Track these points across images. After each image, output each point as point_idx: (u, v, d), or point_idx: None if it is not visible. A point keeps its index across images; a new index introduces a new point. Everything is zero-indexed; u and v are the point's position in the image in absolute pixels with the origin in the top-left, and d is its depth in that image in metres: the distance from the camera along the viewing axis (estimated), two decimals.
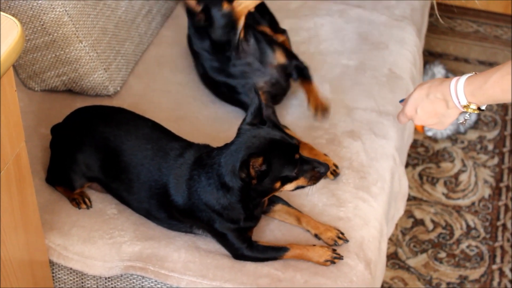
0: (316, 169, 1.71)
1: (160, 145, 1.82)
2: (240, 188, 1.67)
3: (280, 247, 1.78)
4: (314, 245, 1.80)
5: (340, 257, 1.79)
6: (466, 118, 1.63)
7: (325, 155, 2.03)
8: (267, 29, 2.24)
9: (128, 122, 1.88)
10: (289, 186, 1.71)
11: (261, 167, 1.63)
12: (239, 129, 1.72)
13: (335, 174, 2.00)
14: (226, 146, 1.72)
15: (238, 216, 1.72)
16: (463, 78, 1.57)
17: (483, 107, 1.58)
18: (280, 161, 1.66)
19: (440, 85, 1.62)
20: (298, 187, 1.72)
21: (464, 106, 1.58)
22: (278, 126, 2.08)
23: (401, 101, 1.76)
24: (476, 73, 1.56)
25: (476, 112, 1.57)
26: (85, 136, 1.88)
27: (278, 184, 1.68)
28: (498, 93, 1.51)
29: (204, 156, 1.75)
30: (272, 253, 1.78)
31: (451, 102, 1.59)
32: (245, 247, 1.76)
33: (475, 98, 1.55)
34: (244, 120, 1.73)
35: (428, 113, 1.65)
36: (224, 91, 2.16)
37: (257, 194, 1.70)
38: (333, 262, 1.78)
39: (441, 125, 1.67)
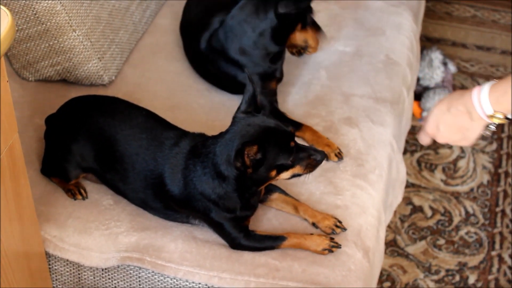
0: (312, 157, 1.69)
1: (155, 134, 1.80)
2: (235, 177, 1.66)
3: (277, 236, 1.77)
4: (312, 234, 1.78)
5: (338, 246, 1.77)
6: (491, 129, 1.53)
7: (328, 138, 2.02)
8: None
9: (123, 112, 1.87)
10: (285, 175, 1.69)
11: (256, 156, 1.61)
12: (234, 117, 1.71)
13: (340, 157, 1.99)
14: (221, 135, 1.70)
15: (234, 205, 1.71)
16: (486, 86, 1.49)
17: (510, 115, 1.49)
18: (275, 149, 1.64)
19: (461, 97, 1.53)
20: (294, 175, 1.71)
21: (490, 116, 1.49)
22: (277, 114, 2.07)
23: (420, 119, 1.68)
24: (498, 80, 1.48)
25: (503, 122, 1.49)
26: (80, 126, 1.86)
27: (273, 173, 1.67)
28: None
29: (199, 145, 1.73)
30: (270, 242, 1.77)
31: (474, 113, 1.50)
32: (242, 237, 1.75)
33: (502, 105, 1.47)
34: (238, 108, 1.71)
35: (451, 128, 1.56)
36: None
37: (253, 183, 1.69)
38: (331, 251, 1.77)
39: (466, 141, 1.58)
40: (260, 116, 1.69)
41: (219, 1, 2.24)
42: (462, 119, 1.53)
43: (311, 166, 1.70)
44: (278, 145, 1.65)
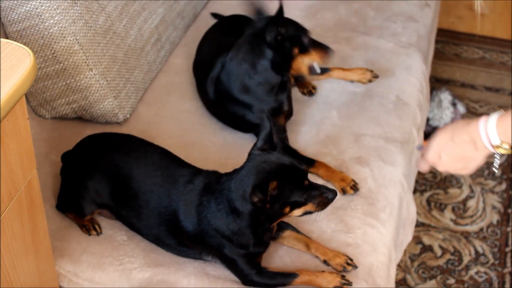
0: (324, 195, 1.72)
1: (169, 171, 1.83)
2: (250, 212, 1.68)
3: (289, 273, 1.79)
4: (323, 271, 1.80)
5: (349, 283, 1.79)
6: (496, 158, 1.53)
7: (341, 172, 2.05)
8: None
9: (138, 149, 1.90)
10: (298, 212, 1.72)
11: (273, 192, 1.64)
12: (250, 154, 1.74)
13: (355, 189, 2.02)
14: (236, 171, 1.73)
15: (247, 241, 1.73)
16: (494, 117, 1.48)
17: None
18: (289, 186, 1.67)
19: (467, 126, 1.52)
20: (306, 213, 1.73)
21: (496, 147, 1.48)
22: (289, 151, 2.09)
23: (419, 147, 1.68)
24: (505, 110, 1.48)
25: (509, 152, 1.48)
26: (95, 163, 1.89)
27: (287, 209, 1.69)
28: None
29: (213, 182, 1.76)
30: (281, 279, 1.78)
31: (480, 143, 1.50)
32: (254, 273, 1.77)
33: (509, 136, 1.46)
34: (255, 145, 1.74)
35: (454, 158, 1.56)
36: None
37: (267, 219, 1.71)
38: None
39: (467, 170, 1.57)
40: (275, 153, 1.72)
41: (226, 42, 2.27)
42: (467, 149, 1.53)
43: (323, 204, 1.72)
44: (292, 183, 1.68)
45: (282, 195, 1.66)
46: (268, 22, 2.07)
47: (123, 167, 1.85)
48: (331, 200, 1.73)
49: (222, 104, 2.20)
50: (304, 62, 2.12)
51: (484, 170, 2.93)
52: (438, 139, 1.58)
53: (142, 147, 1.92)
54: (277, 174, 1.66)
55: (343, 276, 1.79)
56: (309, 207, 1.72)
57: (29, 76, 1.41)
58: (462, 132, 1.53)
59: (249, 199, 1.64)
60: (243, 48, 2.12)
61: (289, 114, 2.21)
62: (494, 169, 1.57)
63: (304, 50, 2.11)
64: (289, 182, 1.67)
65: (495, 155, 1.52)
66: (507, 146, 1.48)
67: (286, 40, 2.07)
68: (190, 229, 1.76)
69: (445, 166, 1.58)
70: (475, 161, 1.55)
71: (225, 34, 2.38)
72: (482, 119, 1.49)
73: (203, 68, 2.31)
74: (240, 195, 1.68)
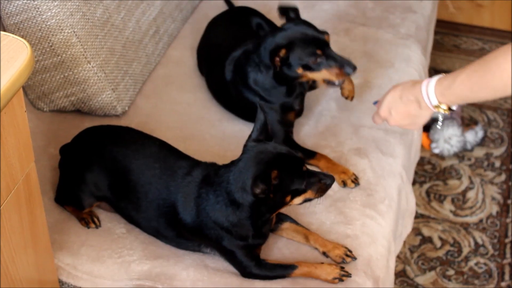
0: (323, 181, 1.72)
1: (168, 164, 1.83)
2: (250, 204, 1.68)
3: (288, 265, 1.79)
4: (322, 263, 1.80)
5: (348, 275, 1.79)
6: (438, 117, 1.72)
7: (342, 166, 2.06)
8: None
9: (136, 142, 1.90)
10: (298, 200, 1.72)
11: (275, 181, 1.64)
12: (245, 145, 1.74)
13: (356, 182, 2.02)
14: (233, 163, 1.73)
15: (246, 233, 1.73)
16: (434, 79, 1.66)
17: (454, 107, 1.66)
18: (289, 174, 1.67)
19: (412, 88, 1.71)
20: (305, 200, 1.73)
21: (435, 107, 1.66)
22: (291, 144, 2.09)
23: (375, 103, 1.85)
24: (445, 74, 1.64)
25: (447, 112, 1.65)
26: (94, 156, 1.89)
27: (288, 198, 1.69)
28: (466, 92, 1.59)
29: (212, 174, 1.76)
30: (280, 271, 1.78)
31: (423, 103, 1.68)
32: (253, 265, 1.77)
33: (445, 98, 1.64)
34: (249, 136, 1.74)
35: (402, 115, 1.75)
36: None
37: (267, 209, 1.71)
38: (341, 280, 1.78)
39: (414, 125, 1.78)
40: (271, 143, 1.72)
41: (244, 32, 2.30)
42: (412, 107, 1.72)
43: (321, 190, 1.73)
44: (292, 171, 1.68)
45: (283, 184, 1.66)
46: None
47: (121, 160, 1.85)
48: (329, 185, 1.74)
49: (236, 86, 2.18)
50: (316, 78, 2.07)
51: (484, 162, 2.92)
52: (389, 97, 1.77)
53: (140, 139, 1.92)
54: (276, 164, 1.66)
55: (342, 268, 1.79)
56: (308, 194, 1.72)
57: (26, 69, 1.40)
58: (409, 93, 1.72)
59: (251, 190, 1.64)
60: (253, 56, 2.11)
61: (299, 112, 2.20)
62: (438, 126, 1.82)
63: (312, 70, 2.04)
64: (289, 171, 1.67)
65: (439, 114, 1.75)
66: (445, 107, 1.65)
67: (286, 64, 2.03)
68: (188, 221, 1.76)
69: (395, 121, 1.78)
70: (421, 119, 1.74)
71: (237, 23, 2.40)
72: (425, 82, 1.67)
73: (216, 50, 2.30)
74: (239, 187, 1.67)
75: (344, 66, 2.01)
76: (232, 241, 1.74)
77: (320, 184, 1.72)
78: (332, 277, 1.77)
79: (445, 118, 3.01)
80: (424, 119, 1.74)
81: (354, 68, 2.01)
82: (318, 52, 2.01)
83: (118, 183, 1.86)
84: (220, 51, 2.27)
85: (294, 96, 2.14)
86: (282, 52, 2.01)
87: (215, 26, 2.43)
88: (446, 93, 1.63)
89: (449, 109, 1.66)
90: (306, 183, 1.70)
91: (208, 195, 1.73)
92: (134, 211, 1.85)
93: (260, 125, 1.73)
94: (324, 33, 2.05)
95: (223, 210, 1.71)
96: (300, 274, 1.78)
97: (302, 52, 2.01)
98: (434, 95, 1.65)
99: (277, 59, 2.01)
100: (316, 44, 2.02)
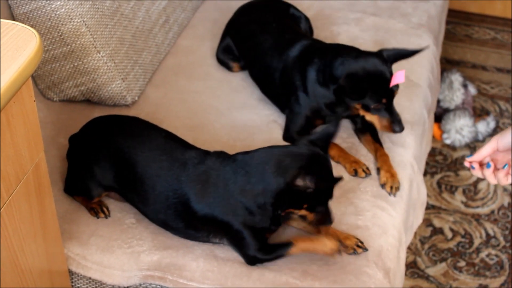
0: (327, 215, 1.75)
1: (176, 155, 1.81)
2: (279, 191, 1.68)
3: (284, 243, 1.78)
4: (319, 237, 1.80)
5: (347, 249, 1.79)
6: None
7: (353, 156, 2.05)
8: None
9: (142, 133, 1.88)
10: (303, 212, 1.73)
11: (312, 185, 1.66)
12: (295, 140, 1.75)
13: (368, 172, 2.02)
14: (267, 151, 1.74)
15: (268, 216, 1.73)
16: None
17: None
18: (322, 189, 1.70)
19: None
20: (301, 216, 1.75)
21: None
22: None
23: (469, 156, 1.58)
24: None
25: None
26: (100, 146, 1.88)
27: (305, 205, 1.71)
28: None
29: (237, 161, 1.75)
30: (280, 250, 1.78)
31: None
32: (258, 249, 1.76)
33: None
34: (308, 135, 1.76)
35: None
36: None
37: (288, 204, 1.72)
38: (340, 253, 1.78)
39: None
40: (323, 154, 1.73)
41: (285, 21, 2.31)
42: None
43: (318, 221, 1.75)
44: (325, 187, 1.71)
45: (315, 192, 1.67)
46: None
47: (127, 152, 1.84)
48: (326, 224, 1.76)
49: (286, 65, 2.16)
50: (364, 114, 2.05)
51: None
52: None
53: (146, 130, 1.89)
54: (322, 171, 1.70)
55: (341, 242, 1.80)
56: (310, 215, 1.74)
57: (35, 58, 1.40)
58: None
59: (292, 179, 1.64)
60: (319, 66, 2.09)
61: (327, 119, 2.16)
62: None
63: (367, 111, 2.03)
64: (323, 185, 1.70)
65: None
66: None
67: (345, 95, 2.02)
68: (201, 209, 1.75)
69: None
70: None
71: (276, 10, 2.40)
72: None
73: (261, 36, 2.29)
74: (279, 174, 1.67)
75: (395, 122, 2.02)
76: (246, 223, 1.73)
77: (324, 215, 1.74)
78: (329, 248, 1.76)
79: (457, 108, 2.99)
80: None
81: (402, 129, 2.02)
82: (384, 101, 2.00)
83: (125, 175, 1.85)
84: (265, 38, 2.26)
85: (335, 112, 2.12)
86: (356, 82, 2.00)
87: (255, 10, 2.41)
88: None
89: None
90: (319, 208, 1.72)
91: (236, 181, 1.72)
92: (141, 203, 1.85)
93: (324, 134, 1.75)
94: (397, 86, 2.02)
95: (253, 193, 1.71)
96: (298, 250, 1.78)
97: (372, 93, 1.99)
98: None
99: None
100: (386, 92, 2.00)
